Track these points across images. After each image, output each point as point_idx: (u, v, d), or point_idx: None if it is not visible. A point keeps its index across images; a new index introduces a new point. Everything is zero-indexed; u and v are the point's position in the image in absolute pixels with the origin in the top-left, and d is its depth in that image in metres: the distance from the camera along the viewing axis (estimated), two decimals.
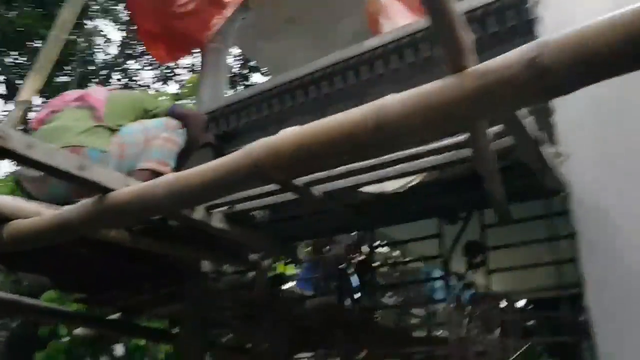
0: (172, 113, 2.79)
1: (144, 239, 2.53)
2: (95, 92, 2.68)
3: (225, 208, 2.31)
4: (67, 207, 1.89)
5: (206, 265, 3.30)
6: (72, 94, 2.71)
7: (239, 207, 2.30)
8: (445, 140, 1.70)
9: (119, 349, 9.64)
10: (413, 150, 1.79)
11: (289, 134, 1.38)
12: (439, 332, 5.26)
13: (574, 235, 2.09)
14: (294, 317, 3.34)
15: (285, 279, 3.00)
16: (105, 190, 1.77)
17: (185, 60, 18.36)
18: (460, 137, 1.66)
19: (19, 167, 2.52)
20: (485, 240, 2.36)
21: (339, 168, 1.94)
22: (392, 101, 1.22)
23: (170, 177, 1.64)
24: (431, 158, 1.86)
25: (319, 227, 2.57)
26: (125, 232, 2.45)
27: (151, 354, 6.85)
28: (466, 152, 1.76)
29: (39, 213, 2.04)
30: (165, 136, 2.68)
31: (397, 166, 1.90)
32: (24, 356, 9.18)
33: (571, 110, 2.05)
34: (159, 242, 2.59)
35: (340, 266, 4.38)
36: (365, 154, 1.36)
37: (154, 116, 2.82)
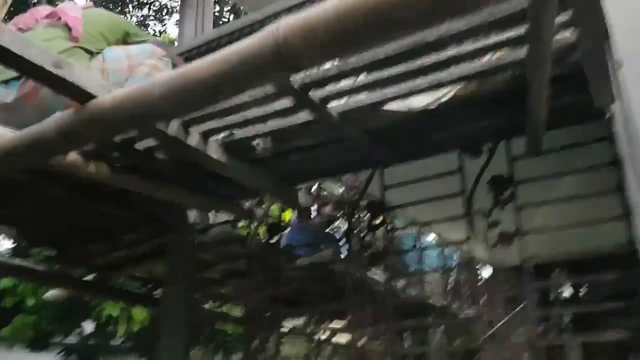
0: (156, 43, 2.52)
1: (127, 177, 2.26)
2: (70, 9, 2.36)
3: (222, 135, 2.05)
4: (40, 123, 1.62)
5: (193, 216, 3.04)
6: (42, 10, 2.38)
7: (239, 134, 2.04)
8: (498, 36, 1.46)
9: (88, 327, 9.33)
10: (453, 52, 1.55)
11: (326, 5, 1.13)
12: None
13: (619, 163, 1.90)
14: (290, 276, 3.10)
15: (283, 227, 2.75)
16: (86, 96, 1.50)
17: (156, 27, 17.80)
18: (518, 30, 1.43)
19: None
20: (513, 174, 2.16)
21: (360, 79, 1.71)
22: None
23: (171, 73, 1.38)
24: (472, 65, 1.63)
25: (327, 164, 2.33)
26: (106, 168, 2.17)
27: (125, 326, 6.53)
28: (518, 54, 1.54)
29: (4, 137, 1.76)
30: (152, 63, 2.39)
31: (431, 75, 1.67)
32: None
33: (624, 13, 1.83)
34: (143, 181, 2.32)
35: (331, 226, 4.19)
36: (424, 24, 1.11)
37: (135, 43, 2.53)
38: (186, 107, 1.39)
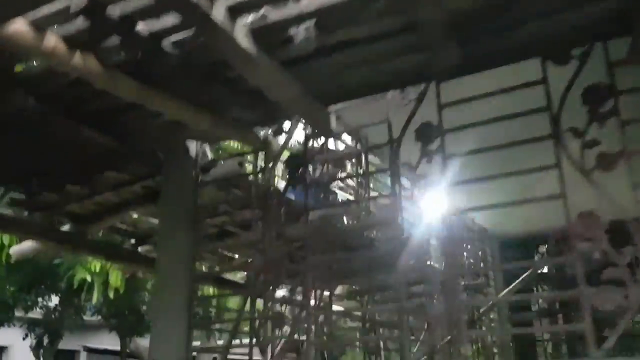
0: None
1: (122, 77, 1.80)
2: None
3: (253, 18, 1.60)
4: None
5: (193, 149, 2.57)
6: None
7: (274, 16, 1.59)
8: None
9: (54, 300, 8.77)
10: None
11: None
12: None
13: None
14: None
15: (305, 161, 2.26)
16: None
17: None
18: None
19: None
20: (614, 82, 1.75)
21: None
22: None
23: None
24: None
25: (375, 72, 1.90)
26: (95, 62, 1.71)
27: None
28: None
29: None
30: None
31: None
32: None
33: None
34: (143, 87, 1.86)
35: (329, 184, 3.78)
36: None
37: None
38: None
